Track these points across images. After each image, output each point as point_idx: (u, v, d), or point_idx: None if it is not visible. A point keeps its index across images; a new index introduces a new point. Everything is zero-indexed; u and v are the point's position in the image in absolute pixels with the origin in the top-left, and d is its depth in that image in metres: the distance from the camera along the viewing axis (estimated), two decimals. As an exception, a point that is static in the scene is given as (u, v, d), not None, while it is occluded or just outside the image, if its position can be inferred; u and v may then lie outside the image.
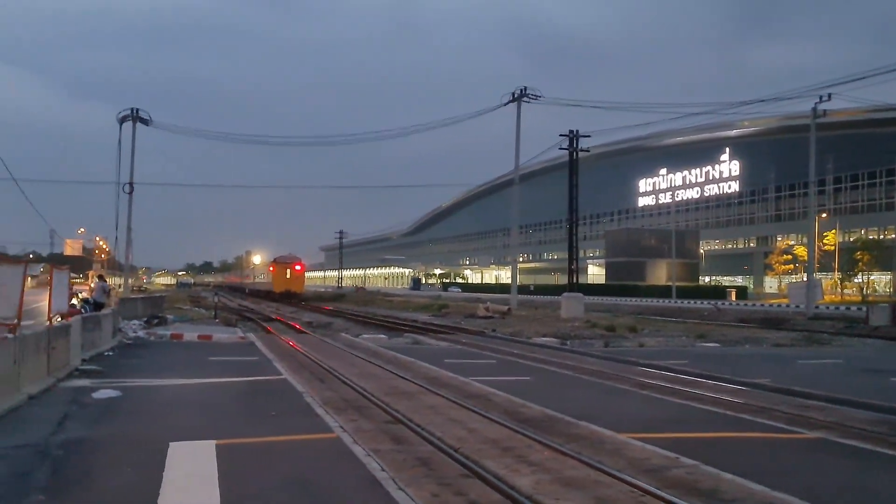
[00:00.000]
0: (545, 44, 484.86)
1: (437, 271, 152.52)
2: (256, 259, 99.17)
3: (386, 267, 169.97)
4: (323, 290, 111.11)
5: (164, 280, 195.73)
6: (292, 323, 32.58)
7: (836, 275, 73.32)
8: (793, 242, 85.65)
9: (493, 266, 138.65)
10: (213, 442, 8.24)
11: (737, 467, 7.38)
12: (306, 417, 10.05)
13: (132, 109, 41.85)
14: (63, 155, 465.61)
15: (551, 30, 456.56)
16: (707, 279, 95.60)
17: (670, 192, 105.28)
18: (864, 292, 68.48)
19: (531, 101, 43.67)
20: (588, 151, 45.41)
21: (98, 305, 23.46)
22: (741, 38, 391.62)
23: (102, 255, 75.40)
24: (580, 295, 41.68)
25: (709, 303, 58.31)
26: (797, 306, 48.65)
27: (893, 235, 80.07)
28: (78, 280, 67.41)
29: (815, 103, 40.81)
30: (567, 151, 44.01)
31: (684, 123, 63.56)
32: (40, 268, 62.07)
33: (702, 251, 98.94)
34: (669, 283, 74.42)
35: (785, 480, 7.02)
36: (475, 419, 9.94)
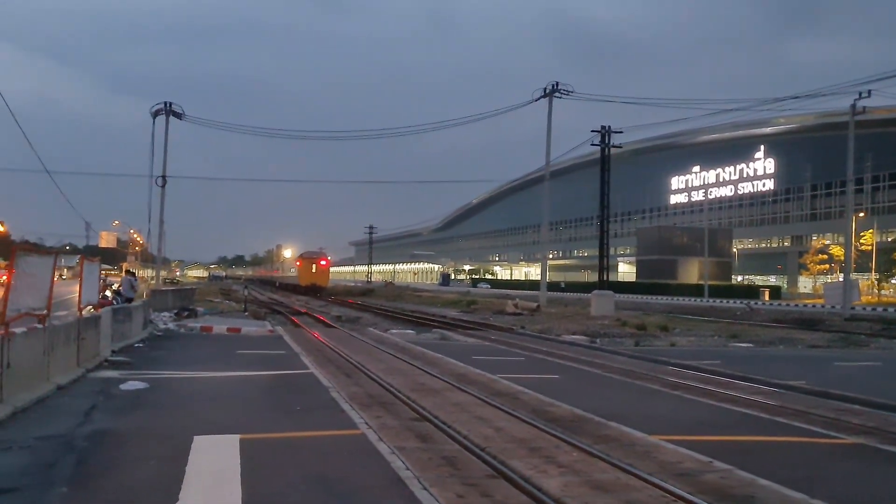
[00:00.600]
0: (581, 40, 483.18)
1: (467, 267, 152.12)
2: (287, 253, 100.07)
3: (415, 262, 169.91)
4: (352, 284, 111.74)
5: (196, 273, 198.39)
6: (320, 317, 32.72)
7: (874, 275, 71.79)
8: (828, 242, 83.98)
9: (523, 263, 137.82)
10: (238, 436, 8.21)
11: (772, 473, 7.13)
12: (332, 413, 9.98)
13: (165, 103, 42.32)
14: (104, 149, 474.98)
15: (588, 26, 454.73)
16: (740, 278, 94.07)
17: (703, 190, 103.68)
18: (902, 294, 67.08)
19: (563, 96, 43.26)
20: (620, 148, 45.04)
21: (128, 299, 23.71)
22: (779, 35, 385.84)
23: (137, 248, 76.39)
24: (610, 293, 41.36)
25: (741, 302, 57.32)
26: (833, 307, 47.67)
27: (933, 236, 78.24)
28: (112, 272, 68.51)
29: (854, 100, 40.00)
30: (599, 148, 43.71)
31: (718, 120, 62.62)
32: (75, 259, 63.06)
33: (735, 250, 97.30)
34: (701, 282, 73.32)
35: (823, 487, 6.78)
36: (502, 417, 9.78)
